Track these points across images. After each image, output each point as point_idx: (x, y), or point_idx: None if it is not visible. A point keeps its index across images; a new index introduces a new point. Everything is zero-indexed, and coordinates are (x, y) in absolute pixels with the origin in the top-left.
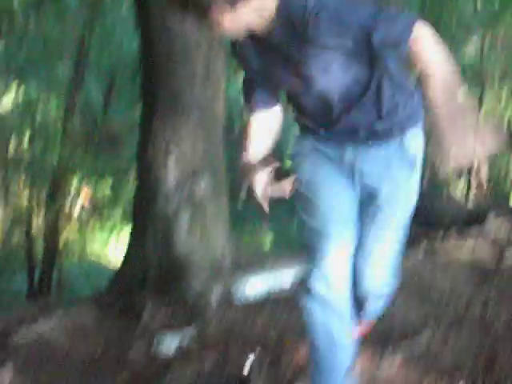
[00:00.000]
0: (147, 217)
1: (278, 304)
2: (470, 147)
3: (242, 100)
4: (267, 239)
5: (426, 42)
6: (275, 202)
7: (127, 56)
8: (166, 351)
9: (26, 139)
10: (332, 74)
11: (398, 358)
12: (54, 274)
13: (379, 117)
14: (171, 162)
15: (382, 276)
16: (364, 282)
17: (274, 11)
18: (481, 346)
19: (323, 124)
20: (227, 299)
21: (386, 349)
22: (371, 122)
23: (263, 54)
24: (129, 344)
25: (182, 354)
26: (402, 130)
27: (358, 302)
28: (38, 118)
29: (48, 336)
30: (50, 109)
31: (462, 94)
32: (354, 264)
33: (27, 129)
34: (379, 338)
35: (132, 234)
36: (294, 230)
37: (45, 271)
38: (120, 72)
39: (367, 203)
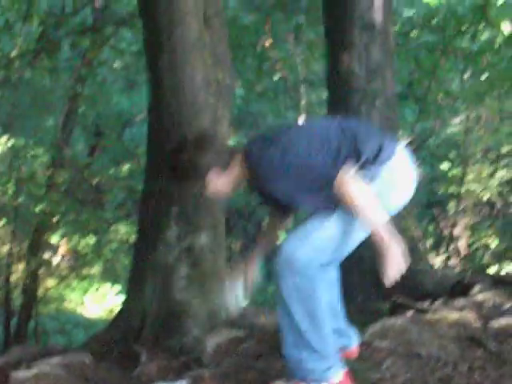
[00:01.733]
0: (146, 266)
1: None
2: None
3: None
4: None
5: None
6: None
7: (114, 113)
8: None
9: (11, 189)
10: None
11: None
12: (31, 324)
13: None
14: (174, 213)
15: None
16: None
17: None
18: None
19: None
20: (222, 350)
21: None
22: None
23: None
24: None
25: None
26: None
27: None
28: (24, 168)
29: (47, 375)
30: (37, 159)
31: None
32: None
33: (13, 179)
34: None
35: (130, 282)
36: (268, 296)
37: (21, 321)
38: (107, 126)
39: None
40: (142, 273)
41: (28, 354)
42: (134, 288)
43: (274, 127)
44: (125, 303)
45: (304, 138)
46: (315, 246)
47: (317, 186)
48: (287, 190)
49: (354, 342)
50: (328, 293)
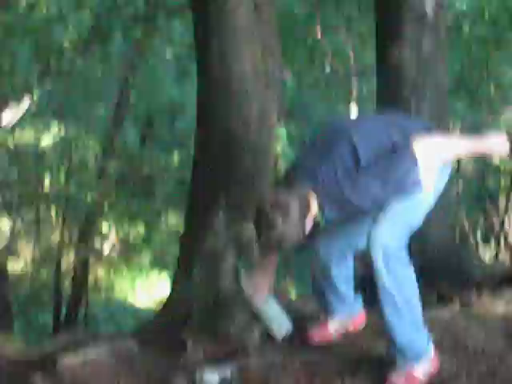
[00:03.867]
0: (194, 253)
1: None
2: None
3: None
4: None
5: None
6: (302, 261)
7: (166, 101)
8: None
9: (62, 177)
10: None
11: None
12: (80, 312)
13: None
14: (221, 202)
15: None
16: None
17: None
18: None
19: None
20: (269, 339)
21: None
22: None
23: None
24: (172, 375)
25: None
26: None
27: None
28: (75, 157)
29: (94, 361)
30: (88, 148)
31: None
32: None
33: (63, 167)
34: None
35: (178, 270)
36: None
37: (71, 308)
38: (158, 116)
39: None
40: (189, 261)
41: (76, 341)
42: (181, 276)
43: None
44: (172, 291)
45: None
46: (402, 232)
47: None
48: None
49: (357, 310)
50: (345, 262)
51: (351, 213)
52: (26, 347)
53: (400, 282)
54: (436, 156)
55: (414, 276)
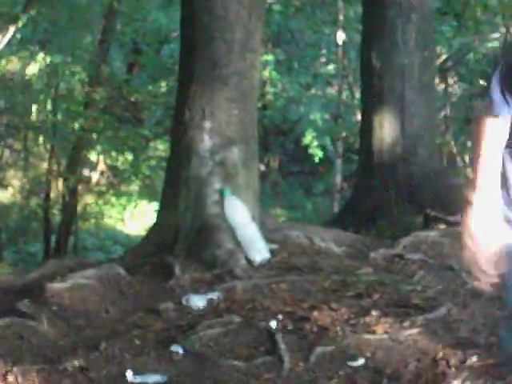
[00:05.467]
0: (180, 180)
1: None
2: None
3: None
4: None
5: None
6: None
7: (152, 29)
8: (195, 308)
9: (48, 106)
10: None
11: (415, 330)
12: (70, 240)
13: None
14: (206, 128)
15: None
16: None
17: None
18: (496, 322)
19: None
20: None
21: (404, 320)
22: None
23: None
24: (159, 299)
25: (211, 309)
26: None
27: None
28: (62, 85)
29: (82, 286)
30: (75, 78)
31: None
32: None
33: (50, 95)
34: (399, 311)
35: (164, 196)
36: (307, 211)
37: (61, 237)
38: (144, 44)
39: None
40: (175, 187)
41: (64, 267)
42: (167, 202)
43: None
44: (158, 217)
45: None
46: None
47: None
48: None
49: None
50: None
51: None
52: (14, 275)
53: None
54: None
55: None
